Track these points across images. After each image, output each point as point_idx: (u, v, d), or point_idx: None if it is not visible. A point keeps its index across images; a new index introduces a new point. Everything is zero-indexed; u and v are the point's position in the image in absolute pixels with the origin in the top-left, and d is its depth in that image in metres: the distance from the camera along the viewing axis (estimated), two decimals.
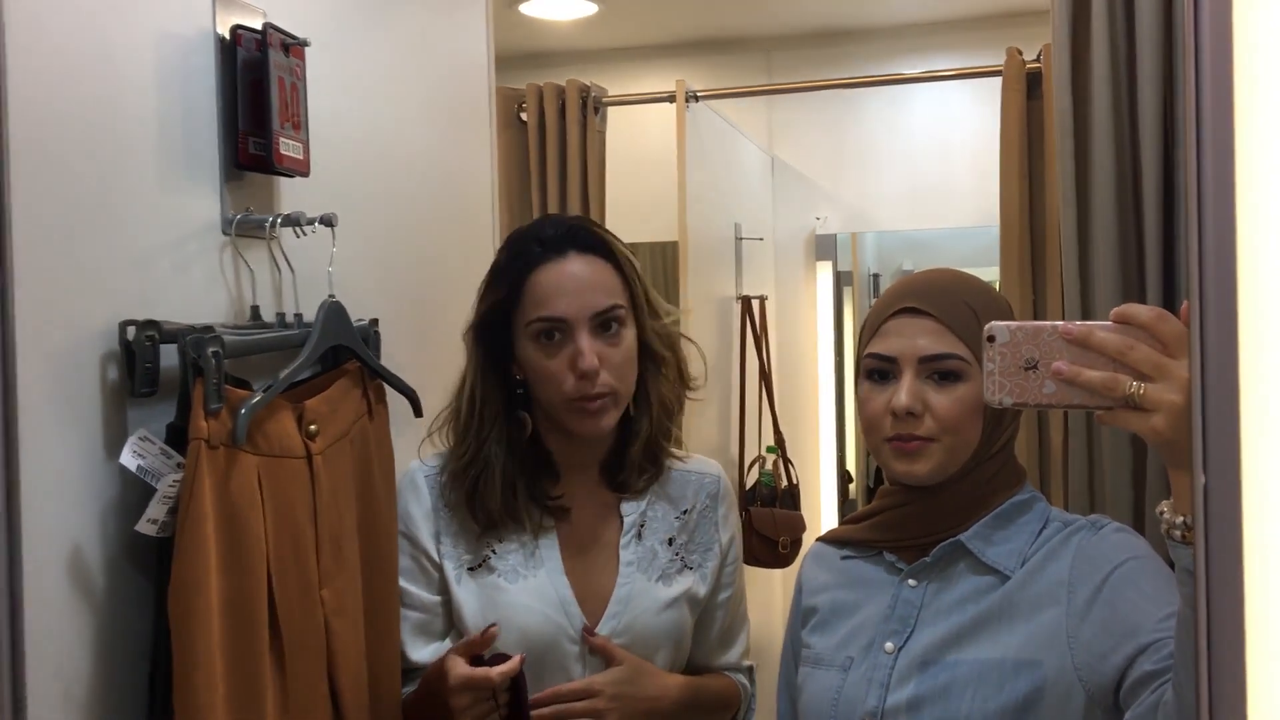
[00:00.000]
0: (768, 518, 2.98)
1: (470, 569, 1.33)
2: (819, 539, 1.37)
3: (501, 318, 1.33)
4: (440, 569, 1.34)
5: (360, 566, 1.24)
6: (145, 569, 1.05)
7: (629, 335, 1.33)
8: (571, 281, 1.30)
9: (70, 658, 0.97)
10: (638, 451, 1.39)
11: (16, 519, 0.80)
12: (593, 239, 1.33)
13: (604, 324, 1.31)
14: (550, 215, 1.38)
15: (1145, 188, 2.26)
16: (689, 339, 1.46)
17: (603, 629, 1.33)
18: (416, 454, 1.41)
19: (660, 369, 1.39)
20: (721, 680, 1.47)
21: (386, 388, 1.34)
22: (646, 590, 1.35)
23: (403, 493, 1.37)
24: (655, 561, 1.38)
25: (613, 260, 1.34)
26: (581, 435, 1.34)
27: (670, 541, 1.40)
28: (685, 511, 1.42)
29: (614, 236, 1.36)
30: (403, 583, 1.34)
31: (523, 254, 1.32)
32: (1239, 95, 0.51)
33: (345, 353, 1.28)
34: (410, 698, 1.32)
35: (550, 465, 1.38)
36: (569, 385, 1.29)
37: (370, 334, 1.34)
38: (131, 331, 1.02)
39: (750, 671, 1.52)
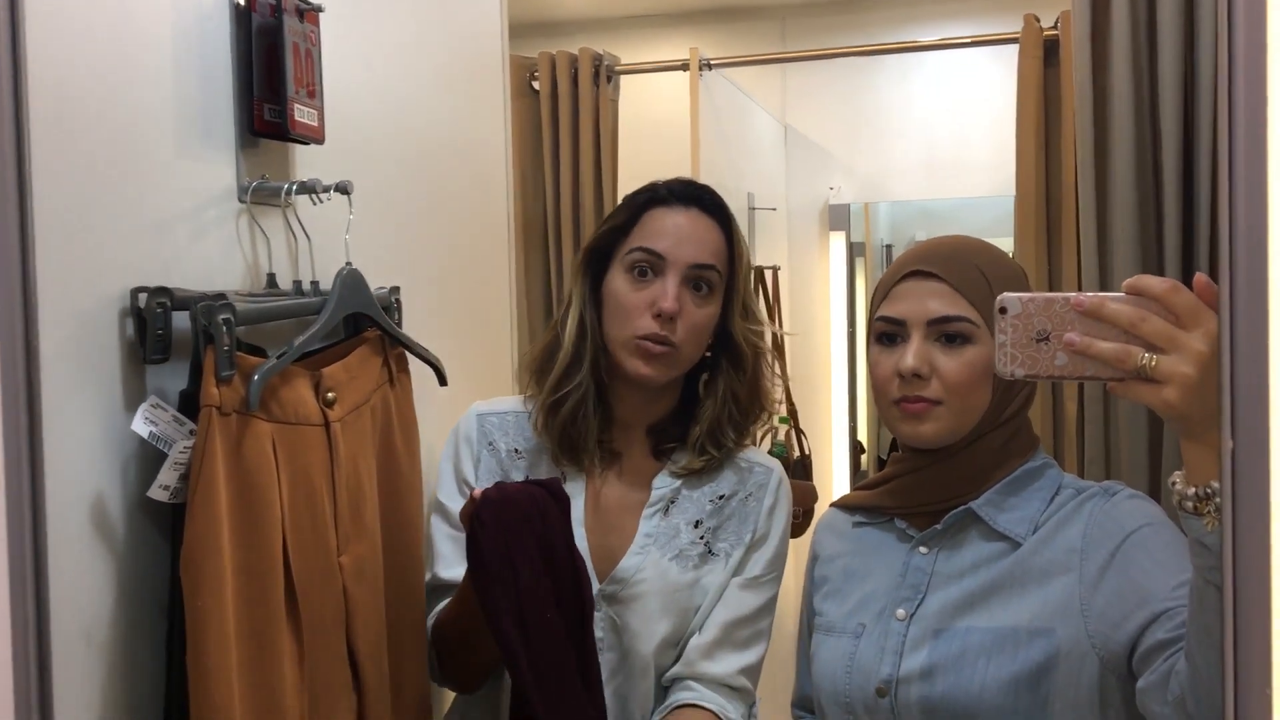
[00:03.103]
0: None
1: None
2: (832, 504, 1.38)
3: (609, 246, 1.37)
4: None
5: (381, 534, 1.25)
6: (164, 527, 1.06)
7: (713, 306, 1.35)
8: (683, 228, 1.34)
9: (92, 610, 0.98)
10: (700, 433, 1.38)
11: (40, 479, 0.81)
12: (720, 206, 1.38)
13: (696, 281, 1.33)
14: (689, 178, 1.42)
15: (1164, 157, 2.24)
16: (777, 360, 1.45)
17: (607, 588, 1.33)
18: (439, 421, 1.44)
19: (736, 366, 1.38)
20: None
21: (410, 356, 1.35)
22: (658, 565, 1.33)
23: (457, 427, 1.43)
24: (675, 540, 1.35)
25: (729, 235, 1.37)
26: (632, 378, 1.33)
27: (697, 524, 1.37)
28: (722, 497, 1.39)
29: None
30: (446, 501, 1.39)
31: (650, 192, 1.37)
32: (1272, 59, 0.51)
33: (366, 321, 1.28)
34: (448, 607, 1.33)
35: (609, 413, 1.39)
36: (642, 321, 1.31)
37: (391, 302, 1.35)
38: (143, 299, 1.02)
39: (745, 696, 1.35)
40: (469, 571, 1.20)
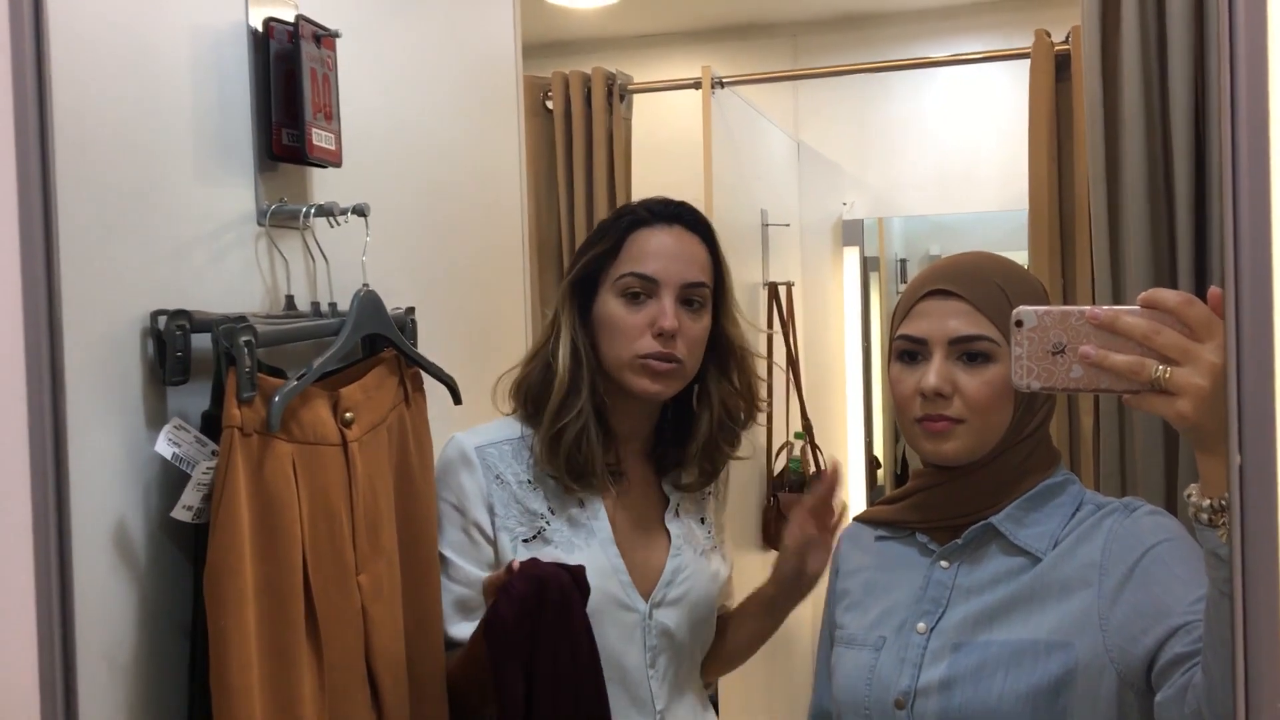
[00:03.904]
0: (795, 504, 2.98)
1: (525, 540, 1.34)
2: (855, 518, 1.39)
3: (595, 272, 1.37)
4: (494, 542, 1.35)
5: (398, 553, 1.26)
6: (186, 548, 1.07)
7: (706, 319, 1.38)
8: (671, 248, 1.35)
9: (116, 631, 0.99)
10: (696, 450, 1.41)
11: (66, 498, 0.82)
12: (701, 221, 1.40)
13: (689, 298, 1.36)
14: (665, 197, 1.44)
15: (1176, 170, 2.24)
16: (762, 357, 1.49)
17: (655, 596, 1.37)
18: (442, 441, 1.42)
19: (726, 374, 1.42)
20: None
21: (424, 376, 1.36)
22: (695, 562, 1.40)
23: (453, 466, 1.36)
24: (694, 538, 1.43)
25: (713, 248, 1.40)
26: (639, 395, 1.35)
27: (703, 520, 1.46)
28: (708, 493, 1.48)
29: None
30: (451, 555, 1.34)
31: (631, 215, 1.38)
32: (1275, 76, 0.51)
33: (383, 341, 1.29)
34: (454, 661, 1.32)
35: (610, 431, 1.40)
36: (642, 342, 1.33)
37: (407, 322, 1.36)
38: (162, 321, 1.04)
39: None
40: (490, 645, 1.19)
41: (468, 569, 1.34)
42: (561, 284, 1.40)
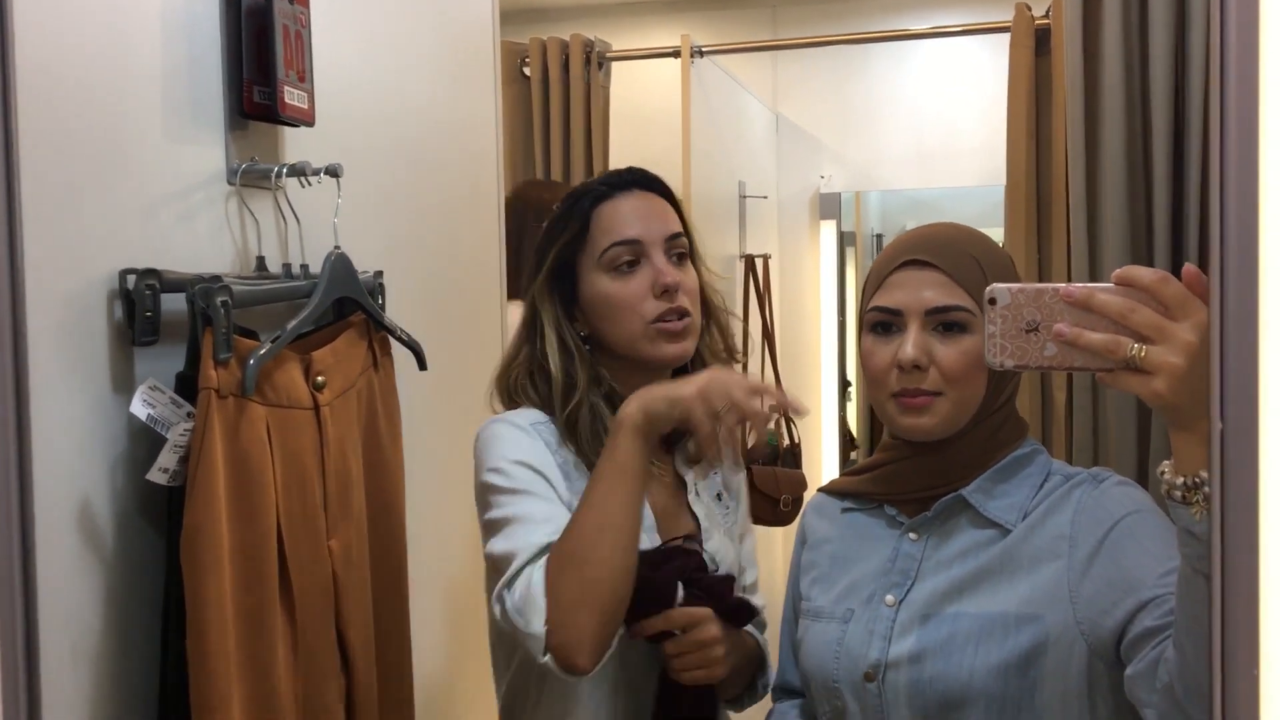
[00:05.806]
0: (769, 476, 2.99)
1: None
2: (820, 489, 1.38)
3: (570, 260, 1.33)
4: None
5: (367, 518, 1.25)
6: (153, 514, 1.06)
7: (693, 270, 1.35)
8: (642, 210, 1.32)
9: (80, 604, 0.98)
10: None
11: (28, 464, 0.80)
12: (654, 179, 1.37)
13: (674, 251, 1.32)
14: (608, 170, 1.41)
15: (1155, 147, 2.25)
16: (733, 314, 1.47)
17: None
18: (411, 406, 1.40)
19: (712, 319, 1.40)
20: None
21: (392, 341, 1.35)
22: (723, 543, 1.36)
23: (512, 435, 1.27)
24: (715, 516, 1.38)
25: (673, 202, 1.37)
26: (663, 361, 1.30)
27: (719, 497, 1.42)
28: (716, 470, 1.43)
29: None
30: (544, 489, 1.23)
31: (587, 194, 1.34)
32: (1265, 46, 0.51)
33: (351, 305, 1.28)
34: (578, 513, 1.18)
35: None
36: (649, 307, 1.28)
37: (375, 286, 1.34)
38: (131, 280, 1.02)
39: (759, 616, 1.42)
40: None
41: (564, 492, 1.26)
42: (534, 283, 1.34)
